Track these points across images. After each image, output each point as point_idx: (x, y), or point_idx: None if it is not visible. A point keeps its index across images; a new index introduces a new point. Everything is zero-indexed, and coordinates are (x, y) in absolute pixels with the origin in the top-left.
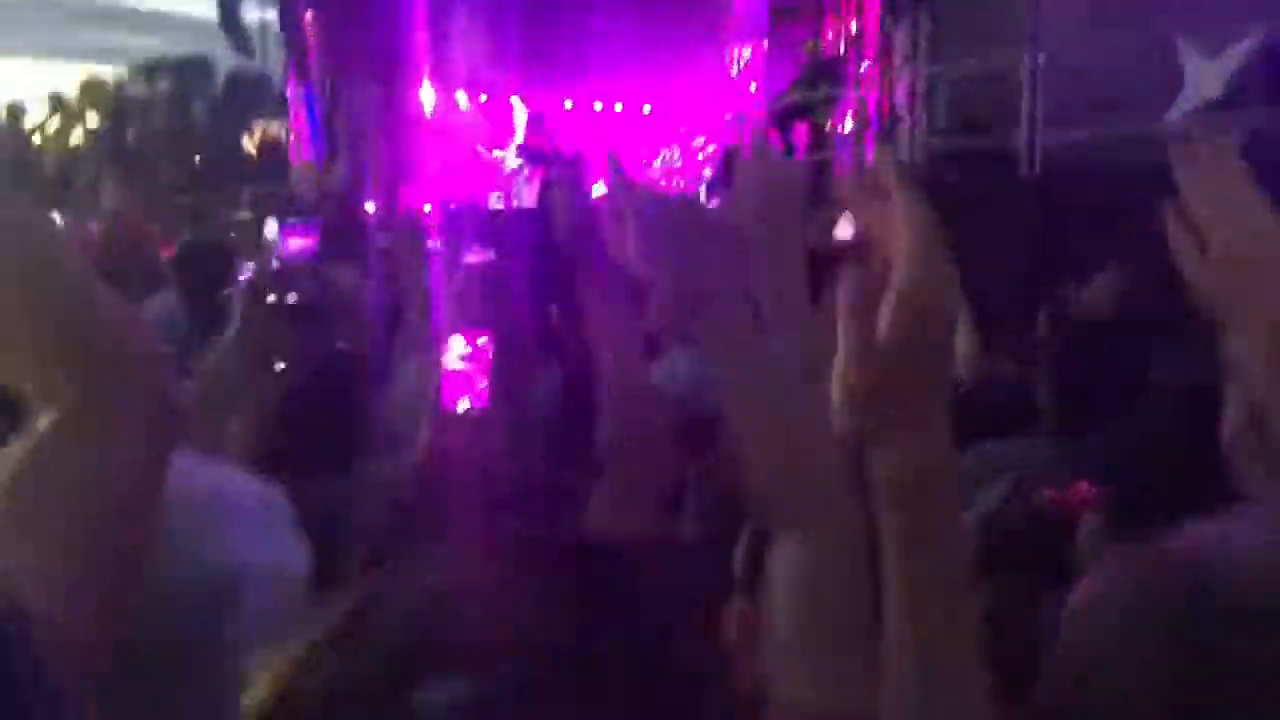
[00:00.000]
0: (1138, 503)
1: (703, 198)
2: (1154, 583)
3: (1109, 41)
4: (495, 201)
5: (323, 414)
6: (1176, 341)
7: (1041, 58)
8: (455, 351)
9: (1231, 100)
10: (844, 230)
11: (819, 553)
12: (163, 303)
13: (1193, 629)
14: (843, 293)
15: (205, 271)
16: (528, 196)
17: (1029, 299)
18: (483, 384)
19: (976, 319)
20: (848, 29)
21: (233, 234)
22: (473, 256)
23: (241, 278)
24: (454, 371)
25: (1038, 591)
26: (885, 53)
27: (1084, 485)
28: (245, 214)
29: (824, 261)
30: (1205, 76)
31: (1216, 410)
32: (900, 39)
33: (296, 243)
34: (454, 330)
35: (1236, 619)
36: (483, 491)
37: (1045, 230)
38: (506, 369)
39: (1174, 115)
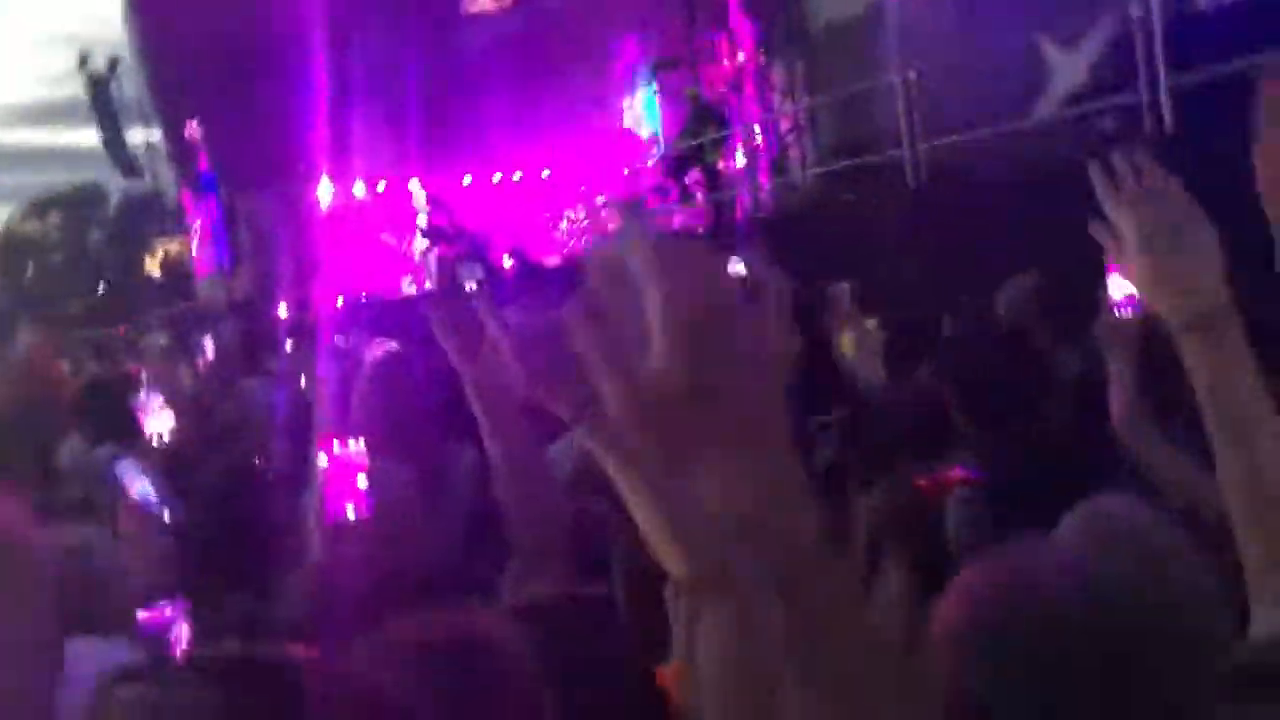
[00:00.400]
0: (1010, 486)
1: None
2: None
3: (976, 50)
4: (407, 286)
5: (232, 534)
6: (1078, 340)
7: (913, 74)
8: (332, 458)
9: (1098, 85)
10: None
11: (727, 622)
12: (70, 450)
13: (1007, 644)
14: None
15: (108, 410)
16: (438, 276)
17: (932, 305)
18: (363, 490)
19: (885, 330)
20: (725, 72)
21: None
22: (375, 349)
23: (145, 407)
24: (335, 478)
25: (913, 570)
26: (765, 90)
27: (955, 469)
28: (162, 339)
29: None
30: (1068, 68)
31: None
32: (777, 75)
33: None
34: (357, 429)
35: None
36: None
37: (939, 236)
38: (397, 468)
39: (1043, 109)
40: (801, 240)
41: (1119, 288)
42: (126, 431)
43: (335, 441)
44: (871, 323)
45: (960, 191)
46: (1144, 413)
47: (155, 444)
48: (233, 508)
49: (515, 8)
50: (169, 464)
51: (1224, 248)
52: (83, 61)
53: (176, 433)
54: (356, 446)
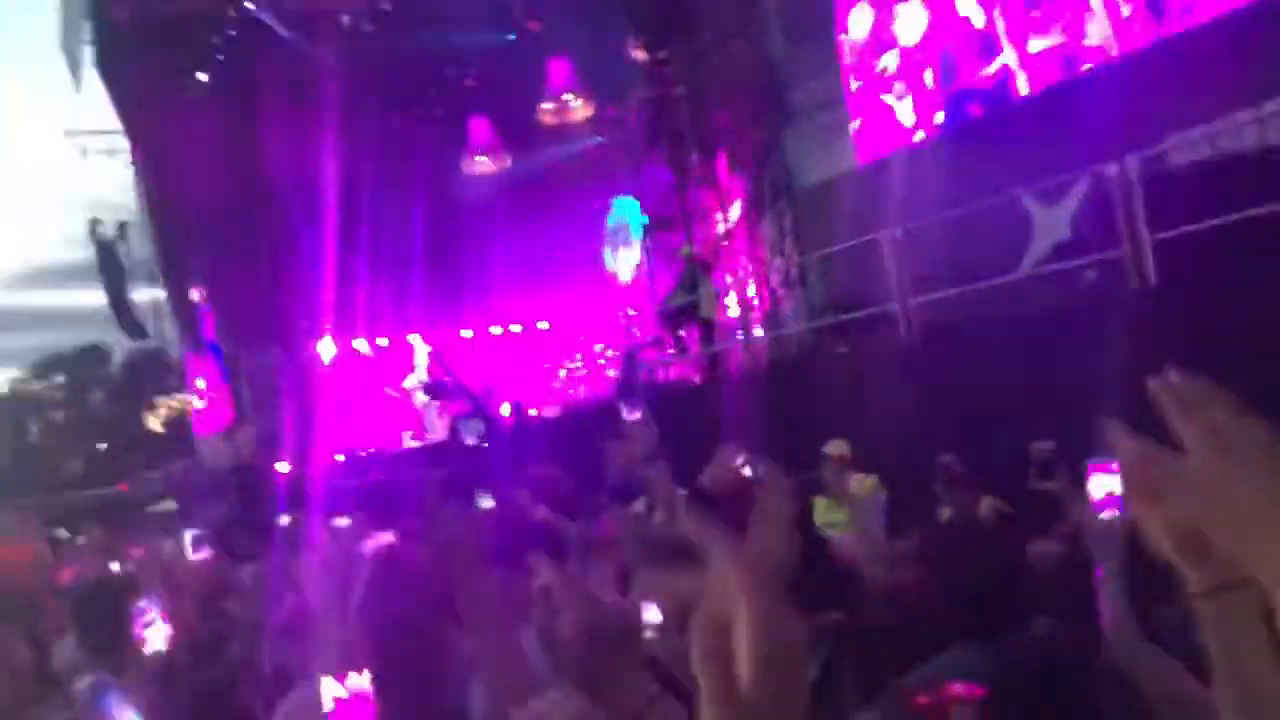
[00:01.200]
0: (1012, 705)
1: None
2: None
3: (962, 206)
4: (408, 440)
5: None
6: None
7: (900, 232)
8: (334, 690)
9: (1079, 239)
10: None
11: None
12: (65, 653)
13: None
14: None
15: (103, 619)
16: (440, 429)
17: (925, 455)
18: None
19: (882, 482)
20: (715, 231)
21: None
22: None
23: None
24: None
25: None
26: (755, 246)
27: (954, 685)
28: (167, 504)
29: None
30: (1051, 222)
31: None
32: (766, 232)
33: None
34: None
35: None
36: None
37: (932, 389)
38: (407, 692)
39: (1027, 263)
40: (796, 393)
41: (1101, 486)
42: (120, 643)
43: (337, 679)
44: (871, 480)
45: (952, 344)
46: (1135, 625)
47: (149, 660)
48: None
49: (512, 168)
50: (160, 679)
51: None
52: (93, 225)
53: (170, 643)
54: (362, 681)
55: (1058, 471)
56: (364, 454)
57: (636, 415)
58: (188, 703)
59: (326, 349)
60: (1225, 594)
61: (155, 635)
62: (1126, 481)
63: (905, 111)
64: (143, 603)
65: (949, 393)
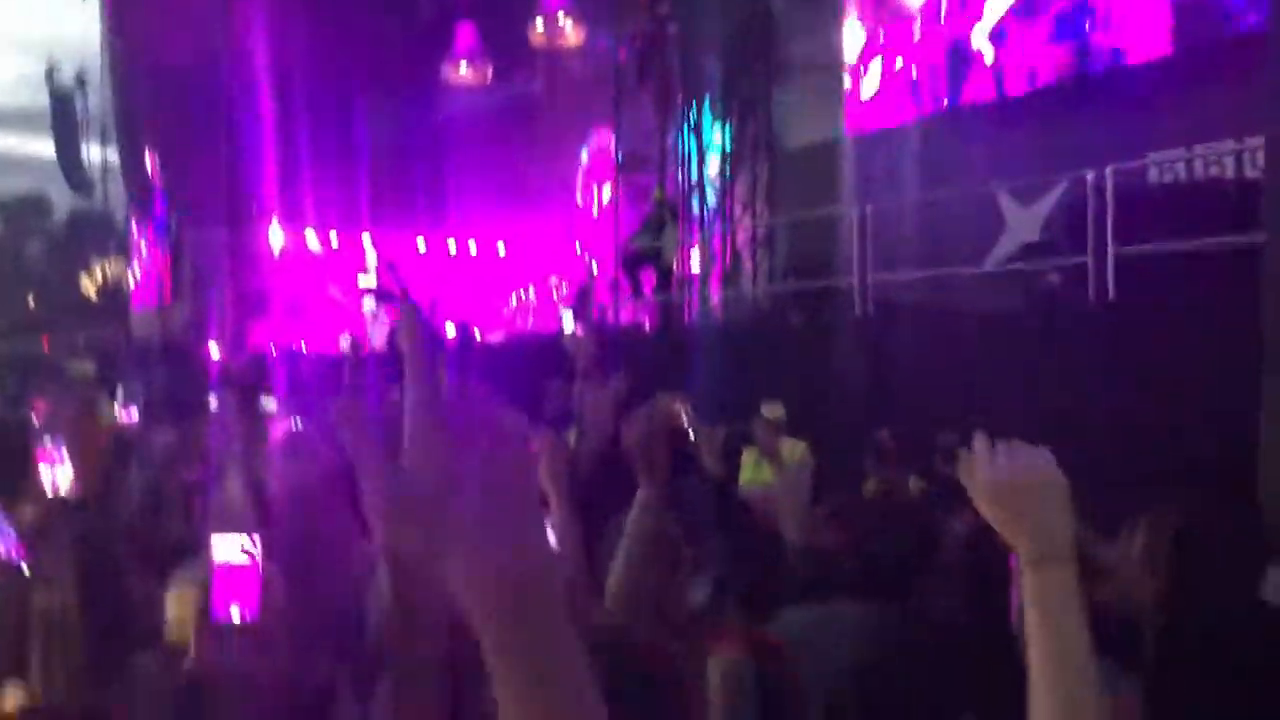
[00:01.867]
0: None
1: (565, 329)
2: None
3: (935, 191)
4: (345, 344)
5: (88, 610)
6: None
7: (870, 208)
8: (225, 551)
9: (1049, 242)
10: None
11: None
12: None
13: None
14: None
15: (6, 451)
16: (379, 339)
17: (861, 430)
18: (253, 591)
19: (814, 452)
20: (689, 178)
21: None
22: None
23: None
24: (225, 575)
25: None
26: (727, 200)
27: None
28: (86, 366)
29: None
30: (1023, 221)
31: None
32: (740, 188)
33: None
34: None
35: None
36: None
37: (880, 368)
38: (295, 566)
39: (996, 257)
40: (744, 353)
41: None
42: (18, 478)
43: (226, 537)
44: (802, 446)
45: (904, 325)
46: None
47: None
48: (86, 581)
49: (494, 86)
50: (54, 519)
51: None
52: (50, 72)
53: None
54: (251, 545)
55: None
56: (298, 351)
57: (579, 335)
58: (70, 553)
59: (275, 236)
60: (1040, 567)
61: (60, 476)
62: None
63: (900, 87)
64: (49, 444)
65: (893, 373)
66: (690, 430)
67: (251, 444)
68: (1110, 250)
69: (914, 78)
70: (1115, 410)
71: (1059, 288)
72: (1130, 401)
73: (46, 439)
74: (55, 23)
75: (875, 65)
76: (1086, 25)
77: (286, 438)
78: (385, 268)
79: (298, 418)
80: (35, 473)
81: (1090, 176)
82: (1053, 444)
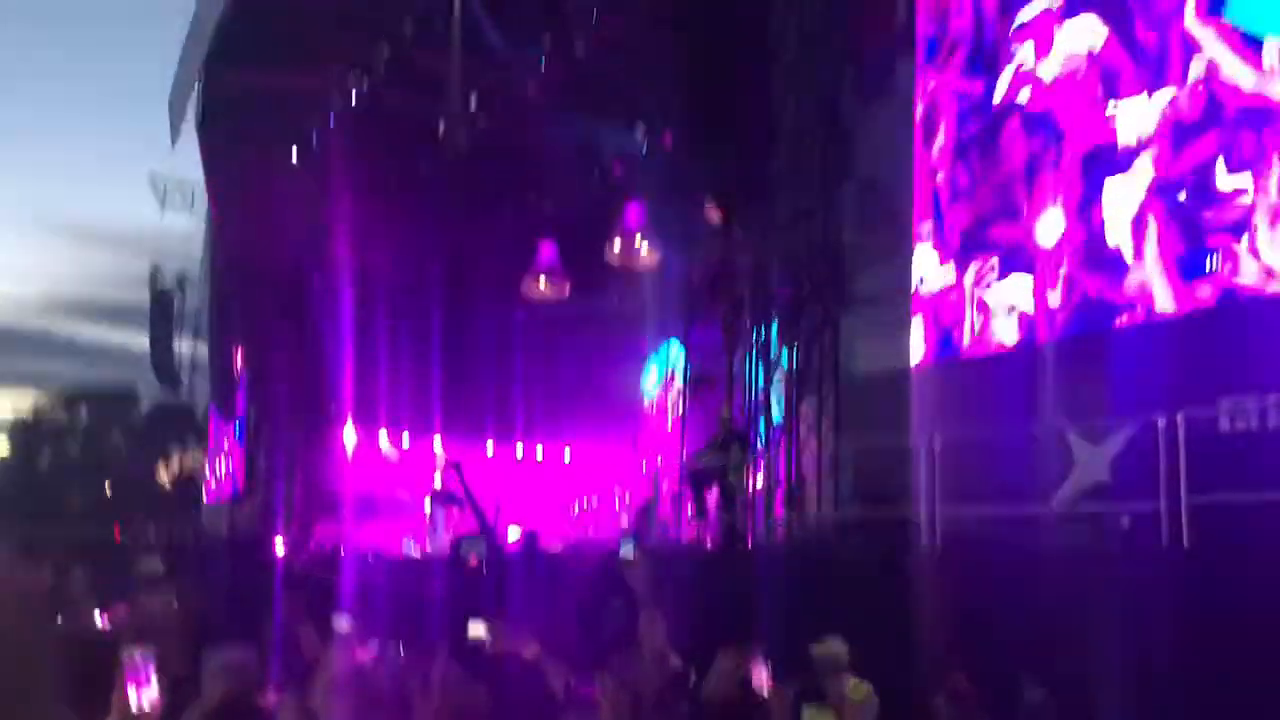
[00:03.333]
0: None
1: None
2: None
3: (1002, 426)
4: (409, 546)
5: None
6: None
7: (939, 439)
8: None
9: (1118, 484)
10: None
11: None
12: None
13: None
14: None
15: (91, 669)
16: (442, 542)
17: (927, 668)
18: None
19: (879, 690)
20: (756, 399)
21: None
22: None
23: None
24: None
25: None
26: (793, 423)
27: None
28: (155, 564)
29: None
30: (1092, 461)
31: None
32: (807, 412)
33: None
34: None
35: None
36: None
37: (946, 605)
38: None
39: (1064, 495)
40: (808, 581)
41: None
42: (104, 694)
43: None
44: (866, 686)
45: (974, 561)
46: None
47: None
48: None
49: (570, 300)
50: None
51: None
52: (155, 271)
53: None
54: None
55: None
56: (364, 552)
57: (638, 558)
58: None
59: (349, 437)
60: None
61: (145, 696)
62: None
63: (969, 321)
64: (136, 660)
65: (963, 609)
66: (761, 684)
67: (318, 663)
68: (1184, 497)
69: (983, 315)
70: (1189, 659)
71: (1130, 533)
72: (1205, 651)
73: (134, 655)
74: (164, 226)
75: (947, 297)
76: None
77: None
78: (450, 469)
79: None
80: (122, 691)
81: (1161, 421)
82: (1126, 691)
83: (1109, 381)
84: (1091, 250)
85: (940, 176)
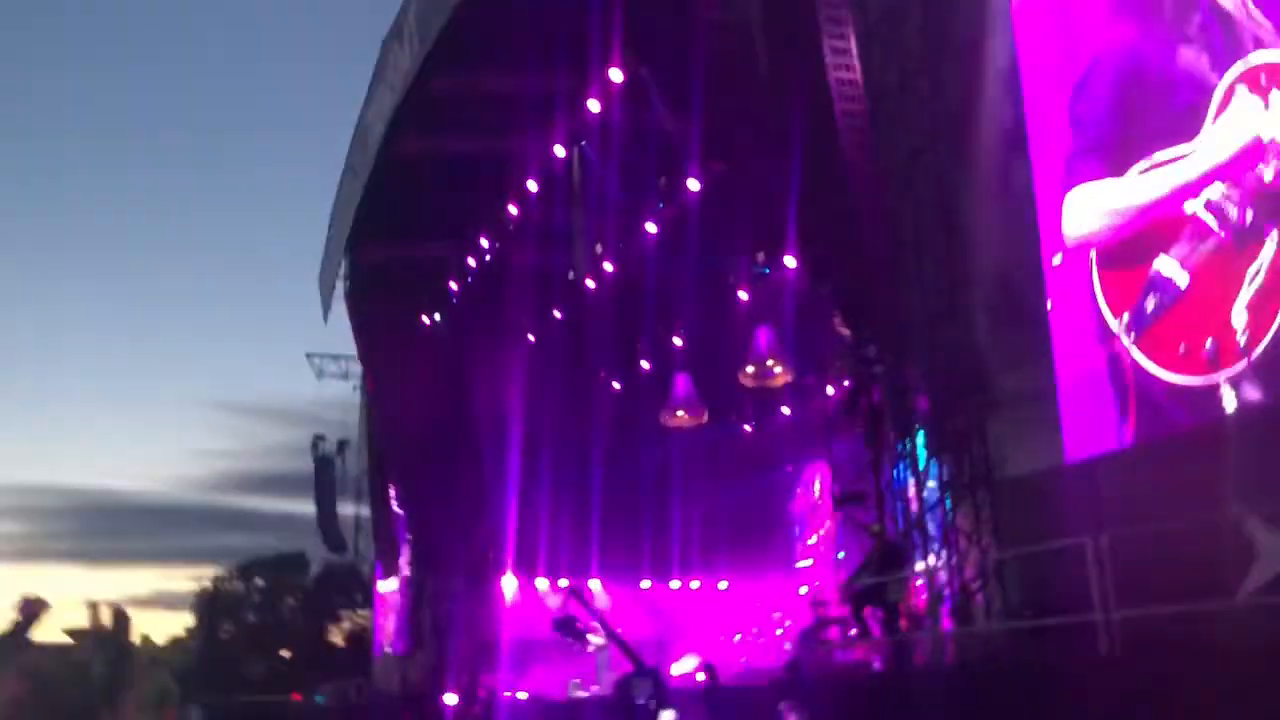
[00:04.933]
0: None
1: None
2: None
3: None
4: (574, 689)
5: None
6: None
7: (1106, 539)
8: None
9: None
10: None
11: None
12: None
13: None
14: None
15: None
16: (607, 682)
17: None
18: None
19: None
20: (910, 513)
21: None
22: None
23: None
24: None
25: None
26: (951, 535)
27: None
28: None
29: None
30: (1277, 549)
31: None
32: (962, 521)
33: None
34: None
35: None
36: None
37: (1129, 709)
38: None
39: (1249, 588)
40: (984, 696)
41: None
42: None
43: None
44: None
45: (1157, 664)
46: None
47: None
48: None
49: (710, 428)
50: None
51: None
52: (316, 441)
53: None
54: None
55: None
56: (532, 698)
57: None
58: None
59: (509, 585)
60: None
61: None
62: None
63: (1117, 409)
64: None
65: (1149, 715)
66: None
67: None
68: None
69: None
70: None
71: None
72: None
73: None
74: (322, 398)
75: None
76: None
77: None
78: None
79: None
80: None
81: None
82: None
83: None
84: None
85: None
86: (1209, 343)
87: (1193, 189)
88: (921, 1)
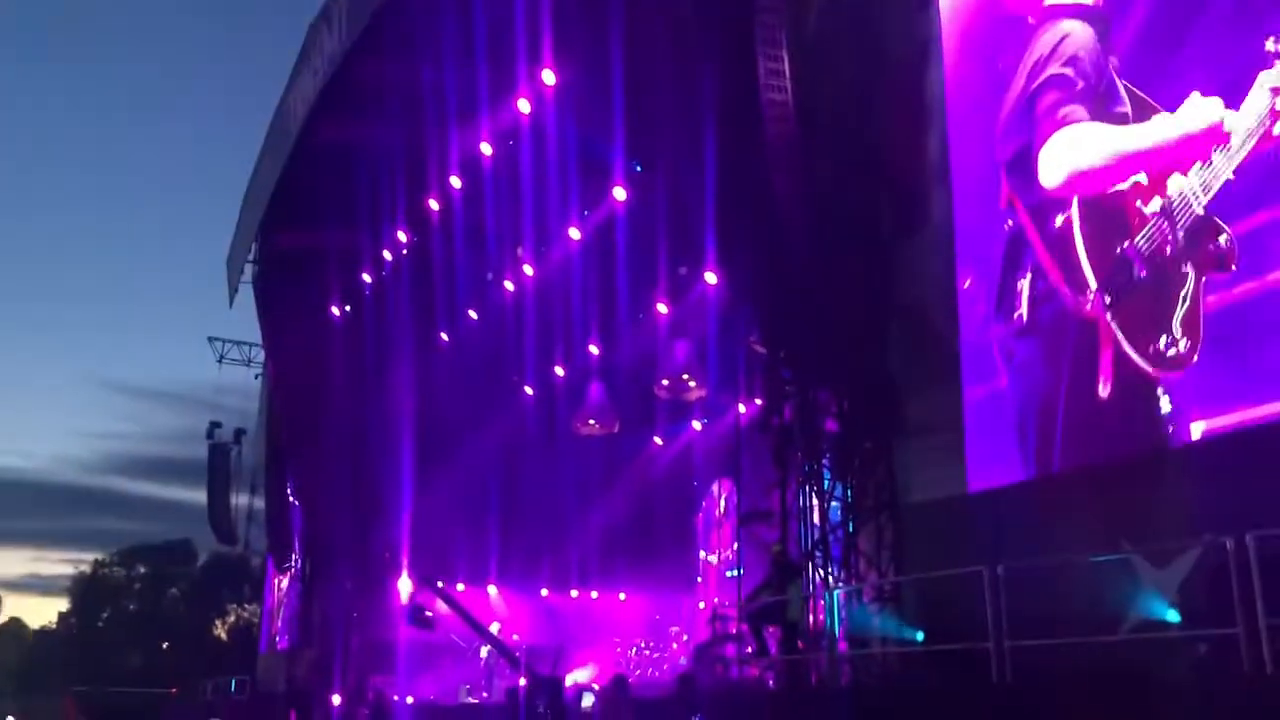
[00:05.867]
0: None
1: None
2: None
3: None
4: (464, 695)
5: None
6: None
7: (1001, 569)
8: None
9: (1188, 607)
10: None
11: None
12: None
13: None
14: None
15: None
16: (498, 690)
17: None
18: None
19: None
20: (812, 535)
21: None
22: None
23: None
24: None
25: None
26: (851, 556)
27: None
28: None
29: None
30: (1159, 584)
31: None
32: (864, 544)
33: None
34: None
35: None
36: None
37: None
38: None
39: (1129, 623)
40: (880, 718)
41: None
42: None
43: None
44: None
45: (1045, 694)
46: None
47: None
48: None
49: (620, 438)
50: None
51: None
52: (212, 427)
53: None
54: None
55: None
56: (421, 702)
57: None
58: None
59: (404, 587)
60: None
61: None
62: None
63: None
64: None
65: None
66: None
67: None
68: (1262, 621)
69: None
70: None
71: (1208, 658)
72: None
73: None
74: (220, 384)
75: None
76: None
77: None
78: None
79: None
80: None
81: (1229, 543)
82: None
83: (1171, 502)
84: None
85: None
86: (1163, 340)
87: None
88: (856, 29)
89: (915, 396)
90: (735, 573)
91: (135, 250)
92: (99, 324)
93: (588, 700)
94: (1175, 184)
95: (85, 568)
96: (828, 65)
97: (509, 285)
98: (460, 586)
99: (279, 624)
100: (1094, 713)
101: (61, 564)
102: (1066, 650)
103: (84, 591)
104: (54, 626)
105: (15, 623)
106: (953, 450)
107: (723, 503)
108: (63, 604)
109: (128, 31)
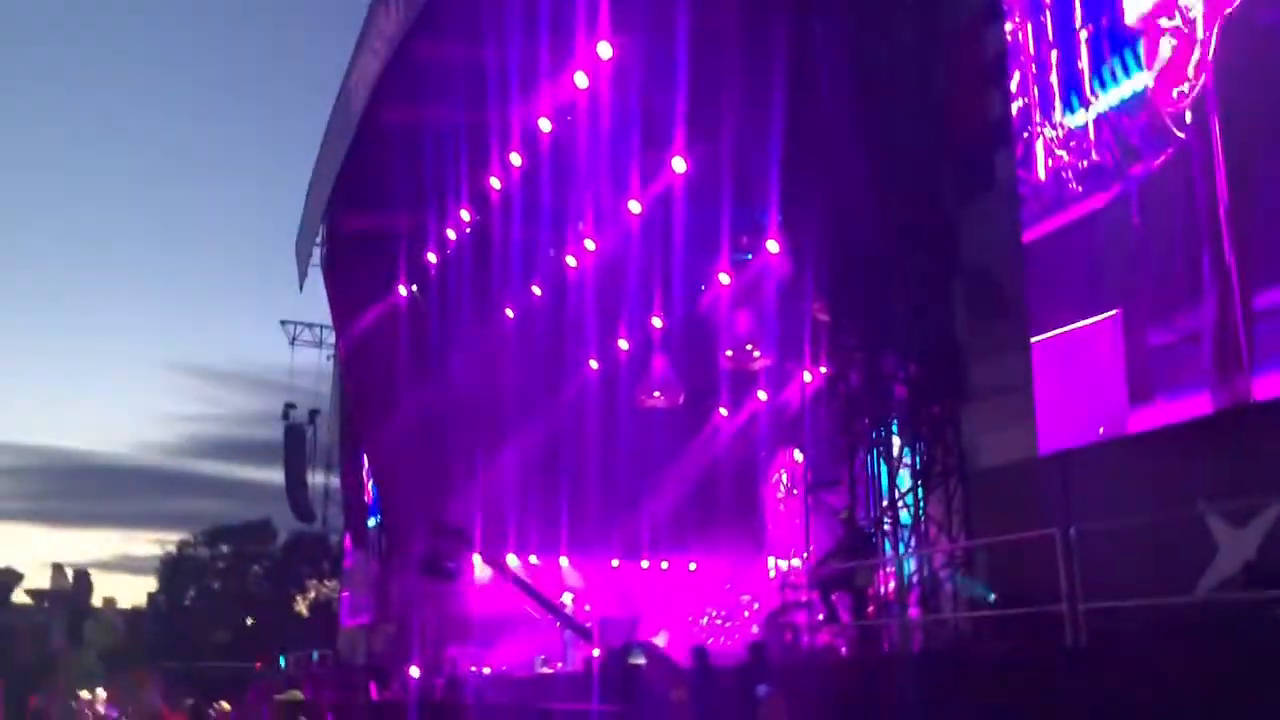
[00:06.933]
0: None
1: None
2: None
3: (1141, 512)
4: (539, 665)
5: None
6: None
7: (1074, 531)
8: None
9: (1268, 566)
10: None
11: None
12: None
13: None
14: None
15: None
16: (574, 660)
17: None
18: None
19: None
20: (880, 500)
21: None
22: None
23: None
24: None
25: None
26: (921, 522)
27: None
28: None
29: None
30: (1237, 544)
31: None
32: (934, 509)
33: None
34: None
35: None
36: None
37: (1094, 705)
38: None
39: (1209, 582)
40: (947, 685)
41: None
42: None
43: None
44: None
45: (1120, 657)
46: None
47: None
48: None
49: (685, 407)
50: None
51: None
52: (288, 409)
53: None
54: None
55: None
56: (497, 673)
57: (767, 693)
58: None
59: (479, 561)
60: None
61: None
62: None
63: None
64: None
65: (1111, 709)
66: None
67: None
68: None
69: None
70: None
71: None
72: None
73: None
74: (294, 366)
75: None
76: None
77: None
78: (582, 587)
79: None
80: None
81: None
82: None
83: (1246, 459)
84: None
85: None
86: None
87: None
88: None
89: (982, 360)
90: (809, 540)
91: (209, 237)
92: (175, 311)
93: (637, 658)
94: None
95: (171, 548)
96: (888, 27)
97: (571, 261)
98: (534, 559)
99: (357, 599)
100: (1171, 675)
101: (149, 544)
102: (1141, 613)
103: (171, 572)
104: (143, 607)
105: (109, 603)
106: (1022, 412)
107: (788, 473)
108: (151, 584)
109: (193, 14)
